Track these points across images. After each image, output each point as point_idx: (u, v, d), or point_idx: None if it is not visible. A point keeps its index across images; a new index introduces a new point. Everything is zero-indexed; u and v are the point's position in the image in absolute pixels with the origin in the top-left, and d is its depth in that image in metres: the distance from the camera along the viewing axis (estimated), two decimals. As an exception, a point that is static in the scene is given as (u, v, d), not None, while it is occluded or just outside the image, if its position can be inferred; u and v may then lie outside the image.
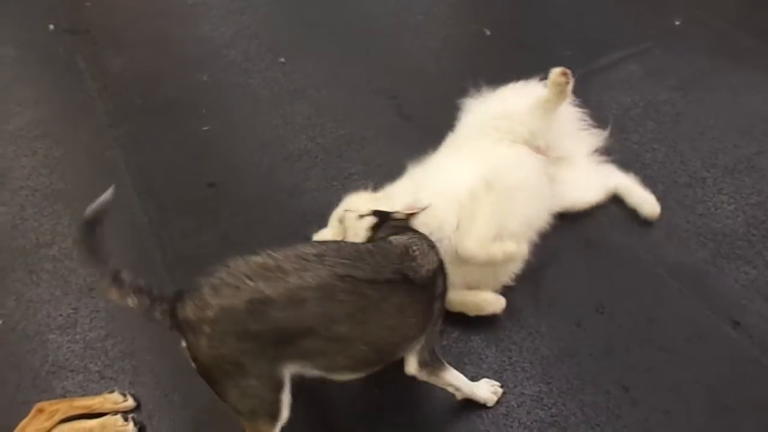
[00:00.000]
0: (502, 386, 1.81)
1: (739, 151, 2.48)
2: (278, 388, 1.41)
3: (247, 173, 2.54)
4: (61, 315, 2.08)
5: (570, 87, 2.06)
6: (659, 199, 2.26)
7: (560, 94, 2.07)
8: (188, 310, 1.33)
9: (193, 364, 1.38)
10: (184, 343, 1.37)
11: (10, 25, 3.48)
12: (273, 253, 1.38)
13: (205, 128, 2.74)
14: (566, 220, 2.22)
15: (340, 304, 1.39)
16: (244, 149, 2.64)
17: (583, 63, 2.93)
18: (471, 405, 1.78)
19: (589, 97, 2.53)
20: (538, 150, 2.16)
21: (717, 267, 2.10)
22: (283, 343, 1.36)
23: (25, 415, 1.75)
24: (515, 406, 1.80)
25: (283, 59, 3.09)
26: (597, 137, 2.42)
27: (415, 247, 1.55)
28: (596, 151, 2.40)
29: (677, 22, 3.17)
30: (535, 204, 2.05)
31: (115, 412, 1.80)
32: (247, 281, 1.32)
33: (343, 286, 1.38)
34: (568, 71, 2.03)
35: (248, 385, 1.38)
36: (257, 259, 1.37)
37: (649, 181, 2.34)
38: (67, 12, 3.53)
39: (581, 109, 2.39)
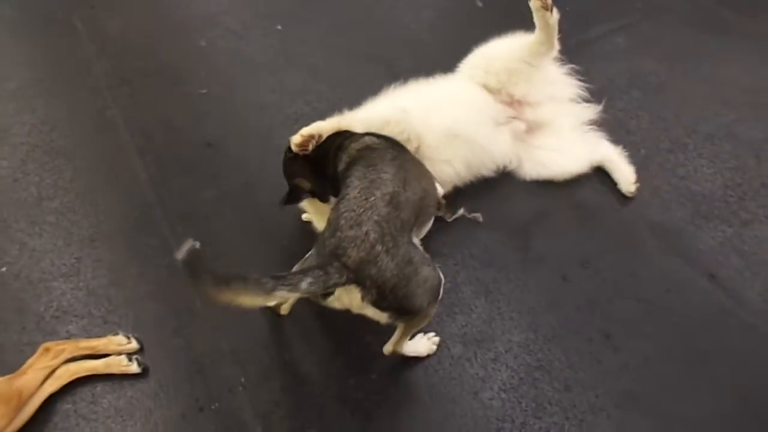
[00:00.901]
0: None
1: (720, 119, 2.59)
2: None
3: (244, 135, 2.59)
4: (64, 264, 2.14)
5: (553, 19, 2.12)
6: (643, 162, 2.36)
7: (545, 27, 2.13)
8: (353, 252, 1.45)
9: (371, 303, 1.50)
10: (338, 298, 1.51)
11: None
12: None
13: (203, 91, 2.79)
14: (554, 182, 2.31)
15: (409, 173, 1.67)
16: (242, 112, 2.69)
17: (574, 34, 2.97)
18: (462, 351, 1.87)
19: (579, 67, 2.59)
20: (502, 99, 2.23)
21: (695, 225, 2.21)
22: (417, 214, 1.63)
23: (31, 356, 1.81)
24: (503, 351, 1.90)
25: (279, 26, 3.13)
26: (587, 110, 2.50)
27: None
28: (585, 122, 2.48)
29: (663, -5, 3.25)
30: (463, 143, 2.15)
31: (119, 353, 1.86)
32: (370, 197, 1.54)
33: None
34: None
35: (424, 274, 1.55)
36: (351, 192, 1.58)
37: (632, 147, 2.44)
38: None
39: (572, 79, 2.48)
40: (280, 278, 1.40)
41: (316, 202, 2.00)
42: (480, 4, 3.23)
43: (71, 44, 3.04)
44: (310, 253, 1.65)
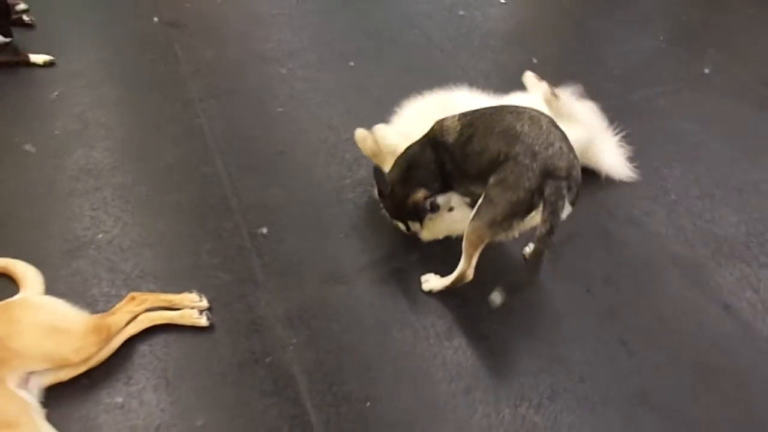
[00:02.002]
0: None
1: (748, 177, 2.80)
2: None
3: (313, 147, 2.93)
4: (150, 235, 2.47)
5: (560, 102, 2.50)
6: (672, 204, 2.60)
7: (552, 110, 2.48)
8: (561, 163, 1.89)
9: (570, 202, 1.92)
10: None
11: (120, 15, 4.03)
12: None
13: (279, 109, 3.17)
14: (584, 207, 2.55)
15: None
16: (312, 129, 3.05)
17: (619, 95, 3.33)
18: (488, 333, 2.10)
19: (616, 122, 2.87)
20: None
21: (715, 262, 2.40)
22: None
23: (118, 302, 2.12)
24: (526, 343, 2.10)
25: (352, 63, 3.54)
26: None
27: None
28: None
29: (706, 71, 3.55)
30: None
31: (192, 308, 2.15)
32: (543, 127, 1.97)
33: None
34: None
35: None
36: (523, 130, 1.95)
37: (663, 192, 2.68)
38: (169, 9, 4.08)
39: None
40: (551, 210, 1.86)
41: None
42: (535, 60, 3.56)
43: (170, 65, 3.51)
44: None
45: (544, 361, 2.05)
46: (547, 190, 1.87)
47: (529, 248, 2.32)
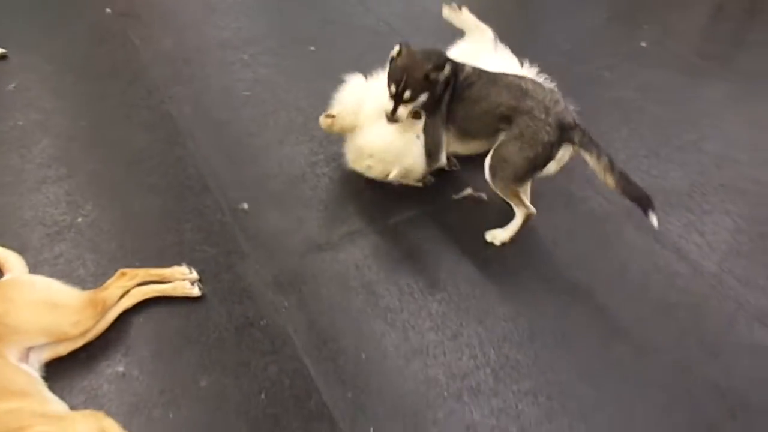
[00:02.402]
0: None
1: (687, 136, 3.06)
2: None
3: (282, 127, 3.00)
4: (131, 216, 2.51)
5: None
6: (623, 164, 2.74)
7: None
8: (569, 117, 2.15)
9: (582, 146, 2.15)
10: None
11: (71, 7, 3.98)
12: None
13: (246, 93, 3.24)
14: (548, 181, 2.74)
15: None
16: (281, 110, 3.12)
17: (567, 67, 3.54)
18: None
19: (565, 93, 3.06)
20: None
21: (664, 212, 2.61)
22: None
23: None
24: (501, 294, 2.27)
25: (312, 47, 3.64)
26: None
27: None
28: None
29: (643, 44, 3.82)
30: None
31: (183, 281, 2.21)
32: (546, 88, 2.24)
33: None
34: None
35: None
36: (529, 87, 2.20)
37: (614, 152, 2.81)
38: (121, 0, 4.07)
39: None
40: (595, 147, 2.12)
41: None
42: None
43: (129, 54, 3.51)
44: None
45: (523, 306, 2.22)
46: (577, 137, 2.09)
47: (490, 235, 2.42)
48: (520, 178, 2.22)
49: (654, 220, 2.10)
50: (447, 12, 2.87)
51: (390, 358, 2.04)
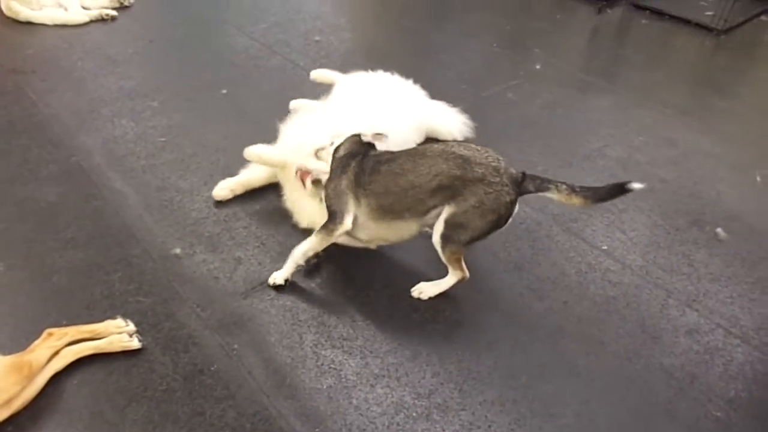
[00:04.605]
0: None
1: (592, 145, 3.29)
2: None
3: (205, 169, 2.91)
4: (50, 272, 2.31)
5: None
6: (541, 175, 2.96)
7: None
8: (510, 167, 2.11)
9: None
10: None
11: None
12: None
13: (162, 139, 3.13)
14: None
15: None
16: (200, 153, 3.03)
17: (474, 93, 3.73)
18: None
19: (478, 116, 3.22)
20: None
21: (586, 215, 2.78)
22: None
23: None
24: (453, 306, 2.29)
25: (224, 90, 3.59)
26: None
27: None
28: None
29: (538, 66, 4.09)
30: None
31: (119, 334, 2.06)
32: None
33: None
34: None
35: None
36: (471, 154, 2.11)
37: (531, 165, 3.04)
38: (8, 56, 3.84)
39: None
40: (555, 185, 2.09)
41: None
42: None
43: (27, 109, 3.32)
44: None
45: (473, 319, 2.25)
46: (532, 186, 2.09)
47: (417, 290, 2.32)
48: (477, 240, 2.15)
49: (636, 185, 2.01)
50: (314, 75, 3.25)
51: (353, 387, 1.99)
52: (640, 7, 5.00)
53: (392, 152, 2.24)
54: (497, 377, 2.05)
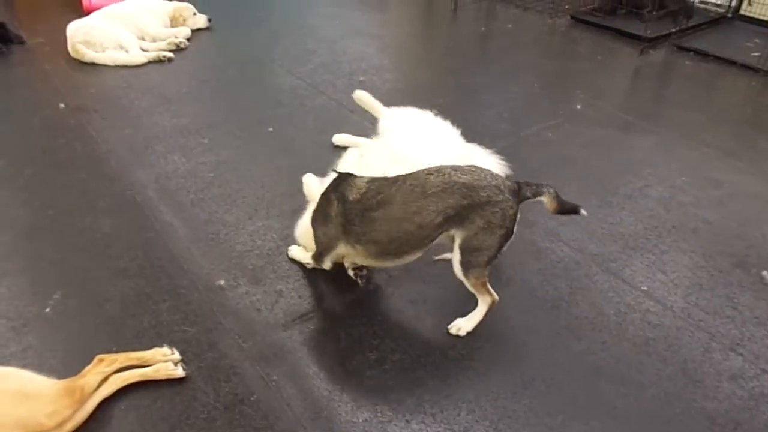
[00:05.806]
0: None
1: (633, 185, 3.28)
2: None
3: (250, 203, 3.03)
4: (102, 301, 2.43)
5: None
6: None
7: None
8: (507, 179, 2.20)
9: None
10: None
11: (22, 104, 3.99)
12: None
13: (210, 175, 3.28)
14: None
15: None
16: (246, 188, 3.16)
17: (514, 133, 3.78)
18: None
19: (517, 155, 3.26)
20: None
21: (626, 255, 2.77)
22: None
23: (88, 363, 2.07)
24: (488, 345, 2.30)
25: (271, 128, 3.75)
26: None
27: None
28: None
29: (578, 106, 4.12)
30: None
31: (165, 362, 2.14)
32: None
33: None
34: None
35: None
36: (465, 173, 2.16)
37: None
38: (73, 95, 4.11)
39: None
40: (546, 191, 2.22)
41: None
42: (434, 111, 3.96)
43: (87, 146, 3.52)
44: None
45: (509, 355, 2.25)
46: (529, 192, 2.18)
47: (455, 327, 2.34)
48: (494, 259, 2.17)
49: (583, 211, 2.28)
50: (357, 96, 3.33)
51: (389, 422, 2.01)
52: (683, 49, 5.00)
53: (378, 192, 2.19)
54: (533, 416, 2.05)
